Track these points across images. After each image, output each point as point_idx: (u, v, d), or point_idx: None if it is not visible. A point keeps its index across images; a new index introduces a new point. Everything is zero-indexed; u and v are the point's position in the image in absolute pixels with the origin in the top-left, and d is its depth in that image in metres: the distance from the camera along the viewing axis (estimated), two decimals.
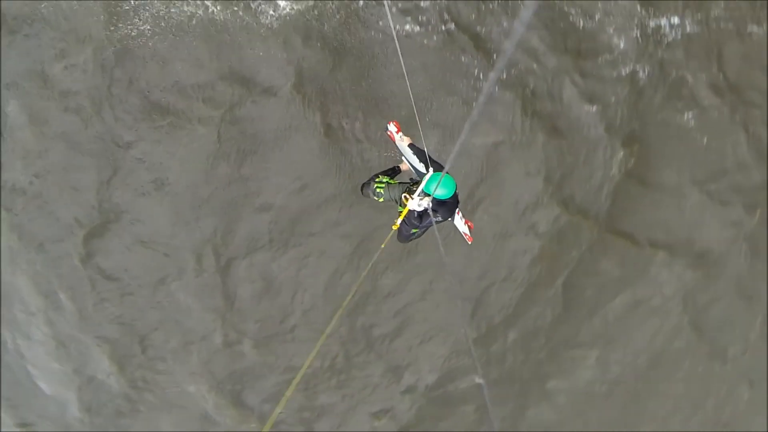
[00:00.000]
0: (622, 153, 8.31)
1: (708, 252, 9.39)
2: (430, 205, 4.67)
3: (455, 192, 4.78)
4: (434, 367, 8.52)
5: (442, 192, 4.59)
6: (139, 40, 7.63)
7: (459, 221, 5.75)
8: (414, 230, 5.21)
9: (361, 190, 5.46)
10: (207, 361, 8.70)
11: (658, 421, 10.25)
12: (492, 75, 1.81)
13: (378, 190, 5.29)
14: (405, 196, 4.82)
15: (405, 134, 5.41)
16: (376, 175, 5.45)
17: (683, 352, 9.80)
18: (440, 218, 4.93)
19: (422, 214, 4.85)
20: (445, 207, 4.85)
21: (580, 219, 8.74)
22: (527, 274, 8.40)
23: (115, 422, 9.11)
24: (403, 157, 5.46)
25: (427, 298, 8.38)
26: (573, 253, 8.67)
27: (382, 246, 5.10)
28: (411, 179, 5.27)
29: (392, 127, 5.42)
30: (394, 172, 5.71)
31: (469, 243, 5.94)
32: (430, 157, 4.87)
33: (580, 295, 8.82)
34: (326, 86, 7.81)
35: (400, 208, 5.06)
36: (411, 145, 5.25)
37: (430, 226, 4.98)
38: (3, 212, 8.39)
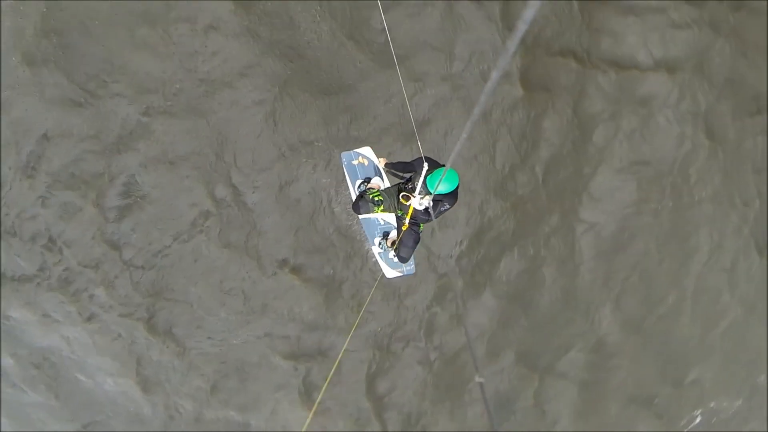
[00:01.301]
0: None
1: (698, 56, 9.40)
2: (431, 204, 4.65)
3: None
4: (472, 224, 8.43)
5: (444, 187, 4.52)
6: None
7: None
8: (421, 226, 5.22)
9: (357, 210, 5.31)
10: (256, 301, 8.56)
11: (714, 236, 9.98)
12: (494, 74, 1.84)
13: (377, 198, 5.22)
14: (405, 196, 4.83)
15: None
16: (363, 192, 5.46)
17: (709, 157, 9.67)
18: (447, 206, 4.81)
19: (428, 208, 4.79)
20: (450, 194, 4.75)
21: (560, 54, 8.78)
22: (529, 108, 8.37)
23: (187, 395, 8.91)
24: (375, 178, 5.68)
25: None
26: (571, 83, 8.67)
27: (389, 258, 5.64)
28: (402, 177, 5.28)
29: (370, 155, 5.72)
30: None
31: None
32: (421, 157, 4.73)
33: (595, 119, 8.74)
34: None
35: (399, 212, 5.09)
36: (388, 164, 5.31)
37: (437, 216, 4.89)
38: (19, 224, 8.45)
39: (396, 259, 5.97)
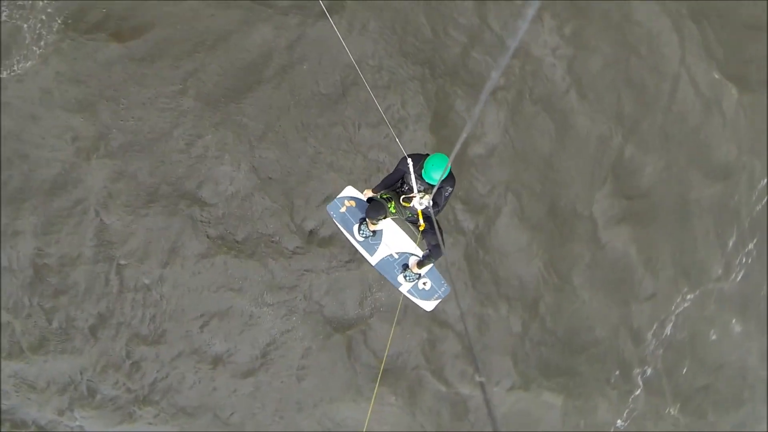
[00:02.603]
0: None
1: None
2: (431, 203, 4.71)
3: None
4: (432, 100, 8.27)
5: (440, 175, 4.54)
6: None
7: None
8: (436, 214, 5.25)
9: (375, 215, 5.24)
10: (290, 283, 8.32)
11: (670, 13, 9.67)
12: (493, 74, 1.96)
13: (386, 196, 5.24)
14: (406, 199, 4.92)
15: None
16: (369, 199, 5.52)
17: None
18: (450, 189, 4.86)
19: (428, 207, 4.85)
20: (447, 177, 4.79)
21: None
22: None
23: (275, 414, 8.50)
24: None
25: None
26: None
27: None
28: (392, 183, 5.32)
29: (353, 193, 5.81)
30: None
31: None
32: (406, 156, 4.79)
33: None
34: None
35: (409, 214, 5.18)
36: (374, 190, 5.37)
37: (445, 203, 4.95)
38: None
39: (428, 287, 5.94)
